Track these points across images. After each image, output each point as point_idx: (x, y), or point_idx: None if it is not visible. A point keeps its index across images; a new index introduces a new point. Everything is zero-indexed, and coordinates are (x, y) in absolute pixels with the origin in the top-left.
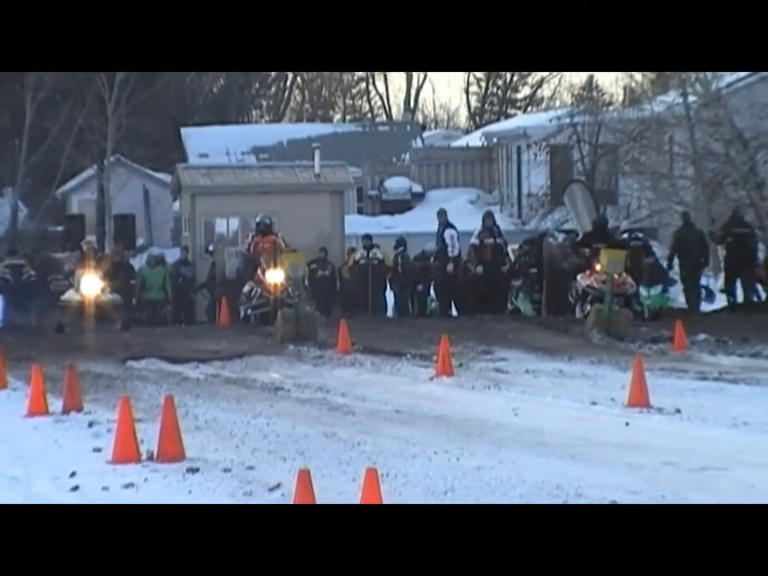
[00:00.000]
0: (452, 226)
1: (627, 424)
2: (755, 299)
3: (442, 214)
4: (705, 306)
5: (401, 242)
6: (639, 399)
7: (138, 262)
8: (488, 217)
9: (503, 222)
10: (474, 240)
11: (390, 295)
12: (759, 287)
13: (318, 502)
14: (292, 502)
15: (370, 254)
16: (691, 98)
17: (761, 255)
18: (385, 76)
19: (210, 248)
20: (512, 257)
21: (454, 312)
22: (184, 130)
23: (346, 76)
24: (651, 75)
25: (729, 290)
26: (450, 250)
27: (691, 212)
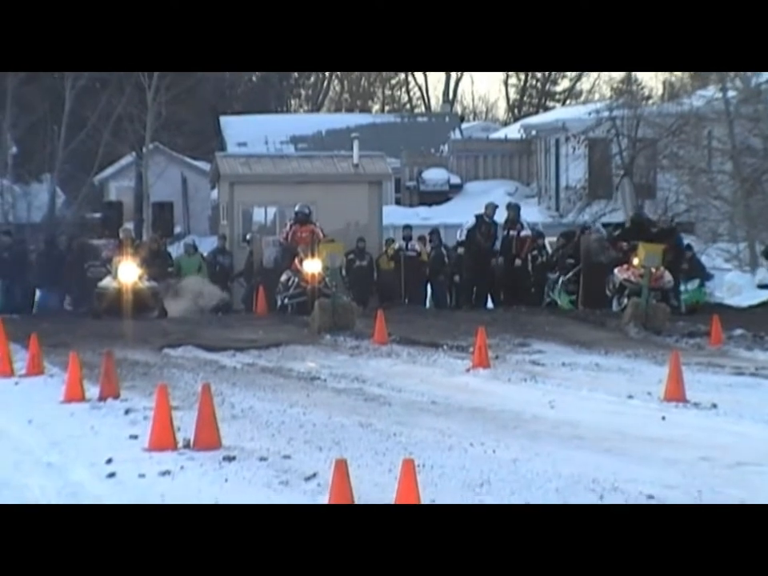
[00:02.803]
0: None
1: (663, 418)
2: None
3: (492, 207)
4: (743, 300)
5: (435, 233)
6: (676, 394)
7: (175, 250)
8: (511, 209)
9: (541, 214)
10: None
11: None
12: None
13: (354, 493)
14: (328, 492)
15: (409, 246)
16: (731, 93)
17: None
18: None
19: (248, 237)
20: (549, 249)
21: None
22: (223, 119)
23: None
24: None
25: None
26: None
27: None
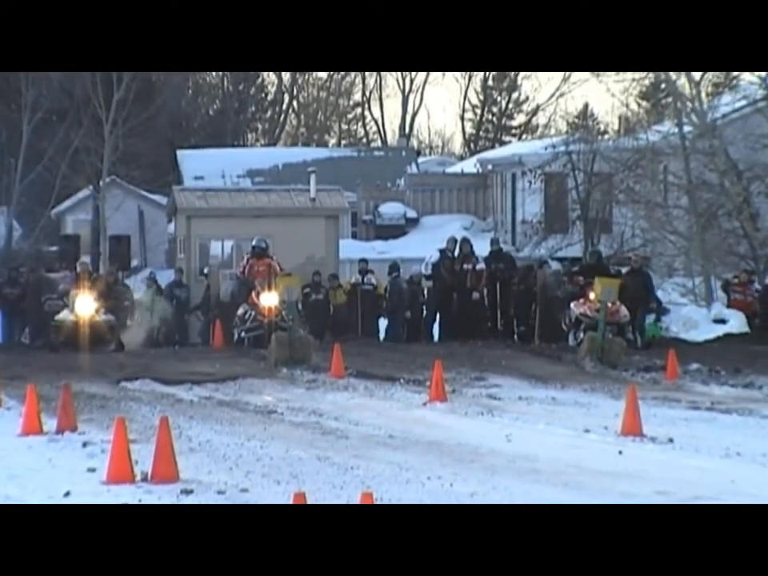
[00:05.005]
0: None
1: (620, 452)
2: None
3: (453, 241)
4: (699, 335)
5: (394, 267)
6: (632, 428)
7: (132, 283)
8: (464, 243)
9: None
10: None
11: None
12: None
13: None
14: None
15: (365, 279)
16: (686, 128)
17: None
18: (380, 101)
19: (205, 270)
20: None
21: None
22: (180, 153)
23: (342, 101)
24: (646, 105)
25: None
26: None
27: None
